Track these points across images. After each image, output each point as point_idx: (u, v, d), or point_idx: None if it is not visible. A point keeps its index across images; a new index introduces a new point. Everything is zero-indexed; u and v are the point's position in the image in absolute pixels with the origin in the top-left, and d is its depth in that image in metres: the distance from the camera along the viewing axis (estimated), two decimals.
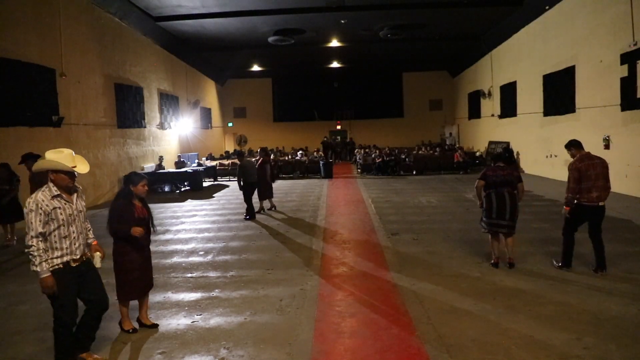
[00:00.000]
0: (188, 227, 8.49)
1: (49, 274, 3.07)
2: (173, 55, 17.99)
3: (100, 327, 3.51)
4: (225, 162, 18.62)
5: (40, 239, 3.04)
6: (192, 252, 6.60)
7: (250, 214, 9.10)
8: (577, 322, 3.78)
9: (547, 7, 13.61)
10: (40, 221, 3.04)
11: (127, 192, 3.87)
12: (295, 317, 4.09)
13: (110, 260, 3.84)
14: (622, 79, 10.28)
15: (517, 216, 5.29)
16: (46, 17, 10.21)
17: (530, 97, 15.57)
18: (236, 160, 9.51)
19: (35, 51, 9.77)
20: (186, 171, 14.81)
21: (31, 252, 3.01)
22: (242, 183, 9.12)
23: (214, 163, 18.53)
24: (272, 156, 19.57)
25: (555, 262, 5.34)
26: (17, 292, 5.08)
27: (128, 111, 14.02)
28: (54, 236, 3.12)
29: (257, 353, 3.45)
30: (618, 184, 10.81)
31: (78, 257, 3.25)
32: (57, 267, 3.12)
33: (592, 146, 11.67)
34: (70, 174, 3.20)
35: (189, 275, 5.52)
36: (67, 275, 3.17)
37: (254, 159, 10.81)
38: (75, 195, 3.30)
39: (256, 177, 9.34)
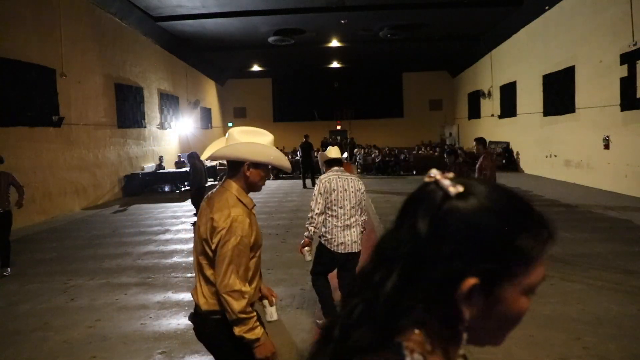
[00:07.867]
0: (188, 227, 8.48)
1: None
2: (173, 55, 17.98)
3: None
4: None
5: None
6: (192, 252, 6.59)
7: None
8: (577, 322, 3.78)
9: (547, 7, 13.61)
10: None
11: None
12: (295, 317, 4.10)
13: None
14: (622, 79, 10.27)
15: None
16: (46, 17, 10.21)
17: (530, 97, 15.56)
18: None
19: (35, 51, 9.76)
20: (186, 171, 14.80)
21: None
22: (196, 187, 9.10)
23: (214, 163, 18.49)
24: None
25: None
26: (17, 292, 5.08)
27: (128, 111, 14.03)
28: None
29: None
30: (618, 184, 10.79)
31: None
32: None
33: (592, 146, 11.71)
34: None
35: (189, 275, 5.52)
36: None
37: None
38: None
39: (206, 182, 9.39)
